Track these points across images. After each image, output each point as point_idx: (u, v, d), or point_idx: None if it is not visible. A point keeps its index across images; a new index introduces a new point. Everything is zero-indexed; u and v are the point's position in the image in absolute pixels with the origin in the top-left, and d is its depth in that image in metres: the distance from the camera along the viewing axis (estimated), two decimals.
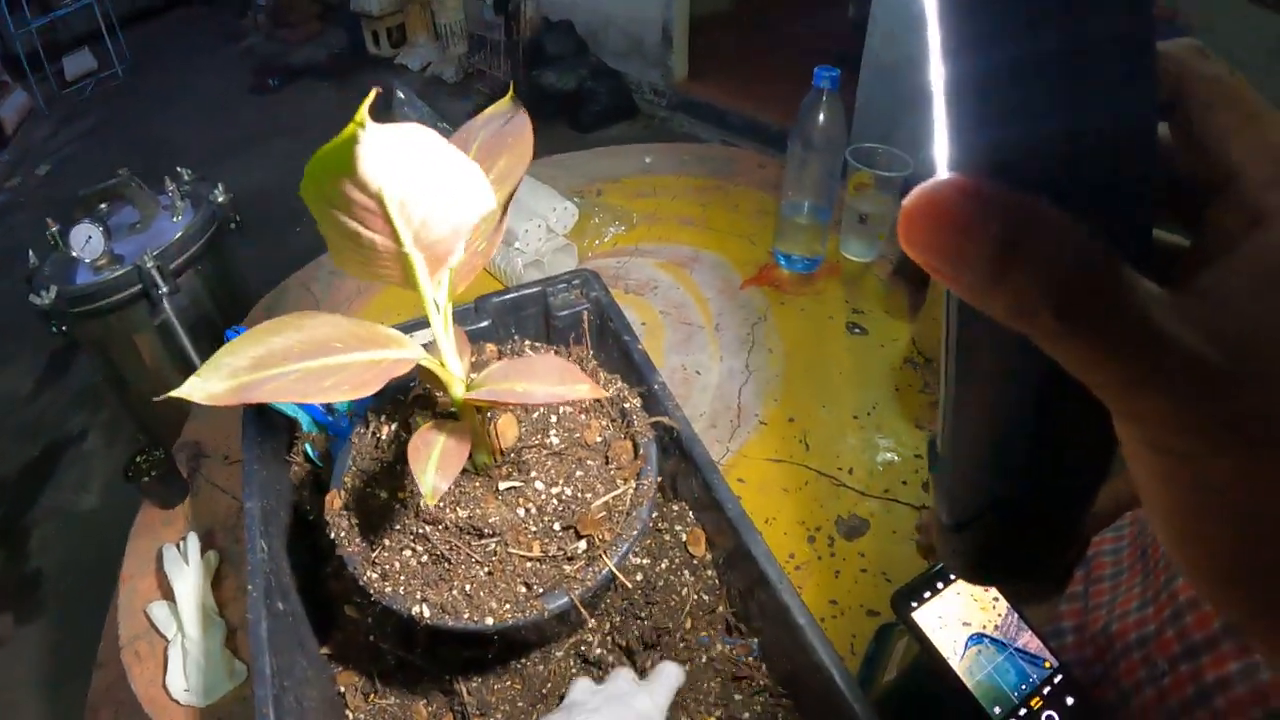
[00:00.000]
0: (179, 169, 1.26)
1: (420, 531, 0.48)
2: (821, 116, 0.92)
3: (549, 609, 0.46)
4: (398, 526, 0.49)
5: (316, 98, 3.84)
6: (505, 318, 0.73)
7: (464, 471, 0.51)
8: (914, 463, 0.81)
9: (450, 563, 0.47)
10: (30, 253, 1.25)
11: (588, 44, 3.34)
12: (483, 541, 0.48)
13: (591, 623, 0.60)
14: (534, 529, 0.49)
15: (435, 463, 0.42)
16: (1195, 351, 0.14)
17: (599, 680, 0.53)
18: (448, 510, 0.48)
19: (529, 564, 0.48)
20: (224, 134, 3.57)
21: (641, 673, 0.55)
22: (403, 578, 0.47)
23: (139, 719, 0.67)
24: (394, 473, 0.52)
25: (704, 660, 0.56)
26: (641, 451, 0.54)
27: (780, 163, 1.28)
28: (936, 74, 0.15)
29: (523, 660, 0.57)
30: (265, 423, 0.66)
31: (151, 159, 1.26)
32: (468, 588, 0.47)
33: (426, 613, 0.46)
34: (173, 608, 0.72)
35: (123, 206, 1.27)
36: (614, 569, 0.48)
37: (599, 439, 0.55)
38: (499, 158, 0.44)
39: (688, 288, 1.02)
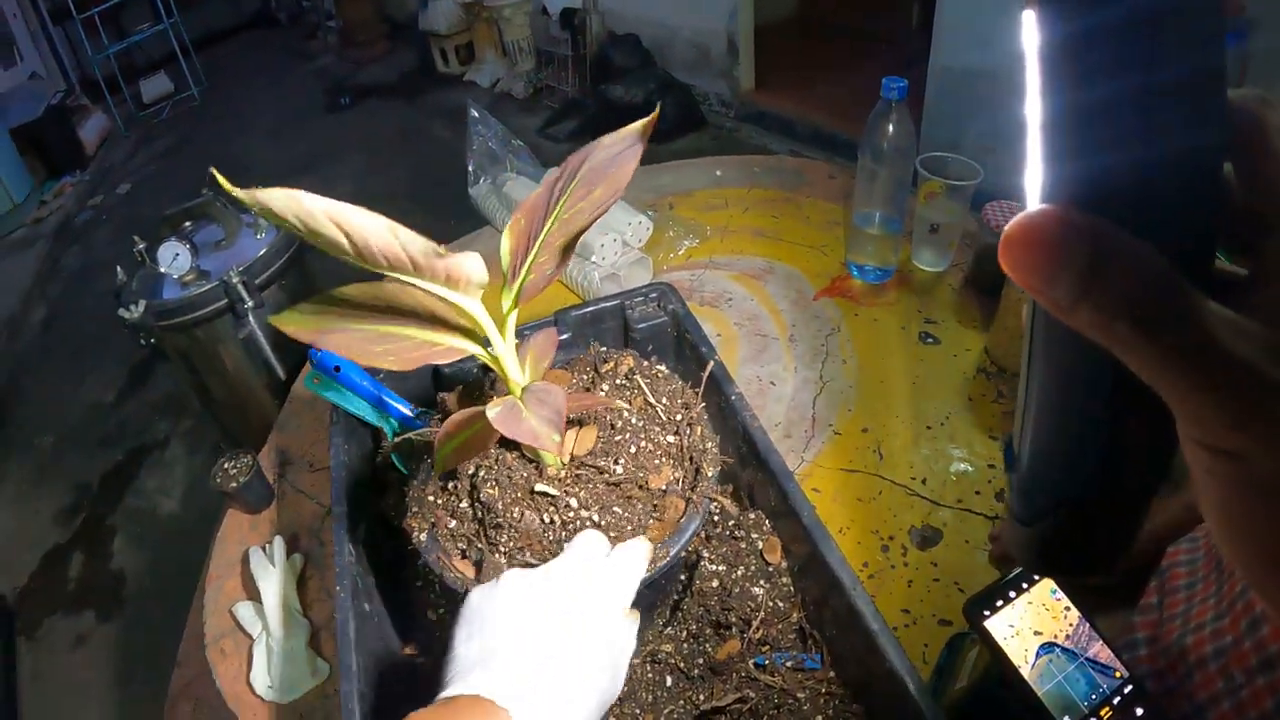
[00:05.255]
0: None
1: (474, 525, 0.51)
2: (891, 127, 0.94)
3: None
4: (463, 524, 0.51)
5: (388, 115, 3.97)
6: (584, 330, 0.76)
7: (532, 463, 0.51)
8: (987, 473, 0.81)
9: (501, 552, 0.50)
10: (118, 269, 1.34)
11: (654, 56, 3.38)
12: (504, 536, 0.50)
13: (669, 630, 0.63)
14: (549, 539, 0.49)
15: (455, 445, 0.47)
16: (1249, 362, 0.16)
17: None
18: (500, 500, 0.50)
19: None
20: (298, 151, 3.71)
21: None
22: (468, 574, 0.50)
23: (220, 713, 0.70)
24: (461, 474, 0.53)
25: (776, 666, 0.59)
26: (683, 520, 0.52)
27: (850, 173, 1.29)
28: (1033, 112, 0.18)
29: None
30: (352, 431, 0.70)
31: (228, 177, 1.34)
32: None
33: None
34: (258, 608, 0.76)
35: (206, 224, 1.36)
36: None
37: (661, 488, 0.53)
38: (595, 188, 0.45)
39: (761, 299, 1.05)
